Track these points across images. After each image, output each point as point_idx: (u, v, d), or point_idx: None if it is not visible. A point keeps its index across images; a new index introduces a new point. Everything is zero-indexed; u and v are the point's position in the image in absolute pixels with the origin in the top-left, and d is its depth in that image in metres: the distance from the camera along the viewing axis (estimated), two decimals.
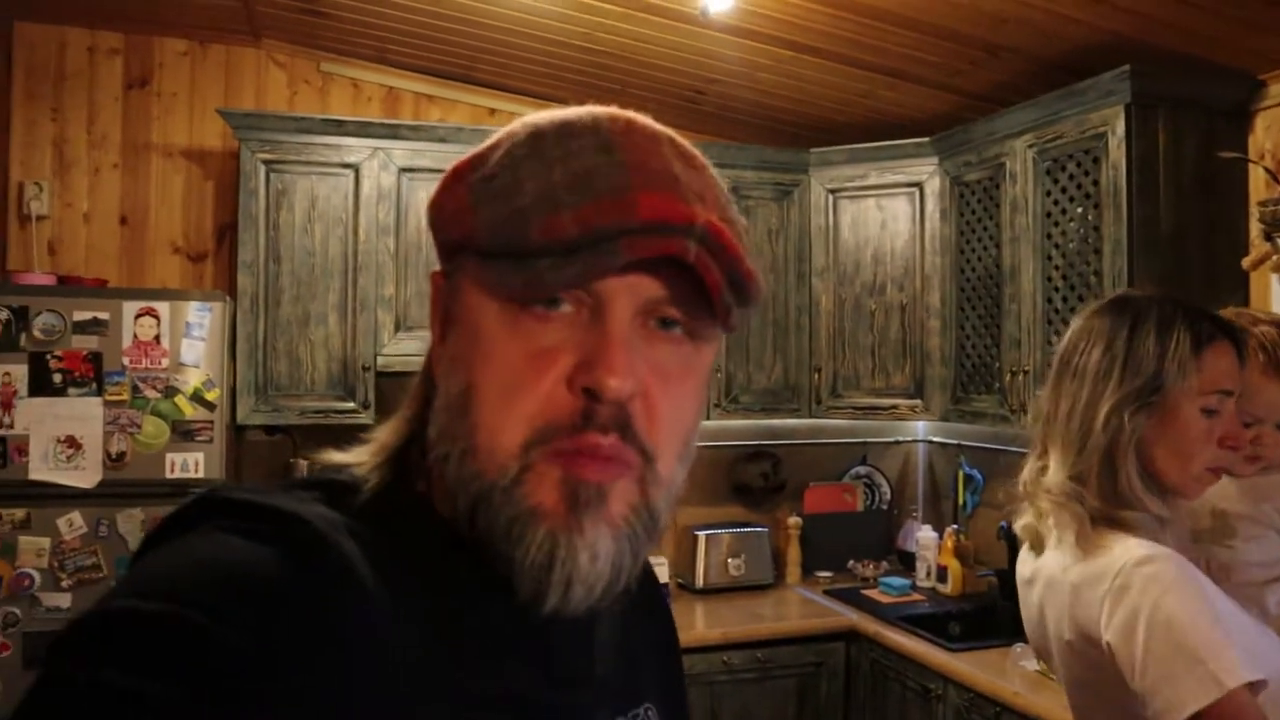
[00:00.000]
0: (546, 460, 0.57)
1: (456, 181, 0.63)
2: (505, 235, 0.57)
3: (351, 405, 3.30)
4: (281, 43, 3.57)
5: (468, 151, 0.65)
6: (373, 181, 3.32)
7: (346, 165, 3.30)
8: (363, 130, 3.31)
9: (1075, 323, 1.49)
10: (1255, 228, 2.56)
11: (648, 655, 0.77)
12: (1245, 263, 2.55)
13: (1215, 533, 1.54)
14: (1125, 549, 1.30)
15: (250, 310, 3.21)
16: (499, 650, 0.62)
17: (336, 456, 0.67)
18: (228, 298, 3.06)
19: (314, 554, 0.55)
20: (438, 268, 0.67)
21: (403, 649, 0.56)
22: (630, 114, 0.63)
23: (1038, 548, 1.47)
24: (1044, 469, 1.44)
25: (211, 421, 2.93)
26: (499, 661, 0.61)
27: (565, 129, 0.61)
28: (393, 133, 3.33)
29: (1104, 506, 1.35)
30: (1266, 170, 2.62)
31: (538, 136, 0.61)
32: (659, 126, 0.63)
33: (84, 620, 0.50)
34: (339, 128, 3.29)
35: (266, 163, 3.24)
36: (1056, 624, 1.40)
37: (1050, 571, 1.42)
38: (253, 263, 3.22)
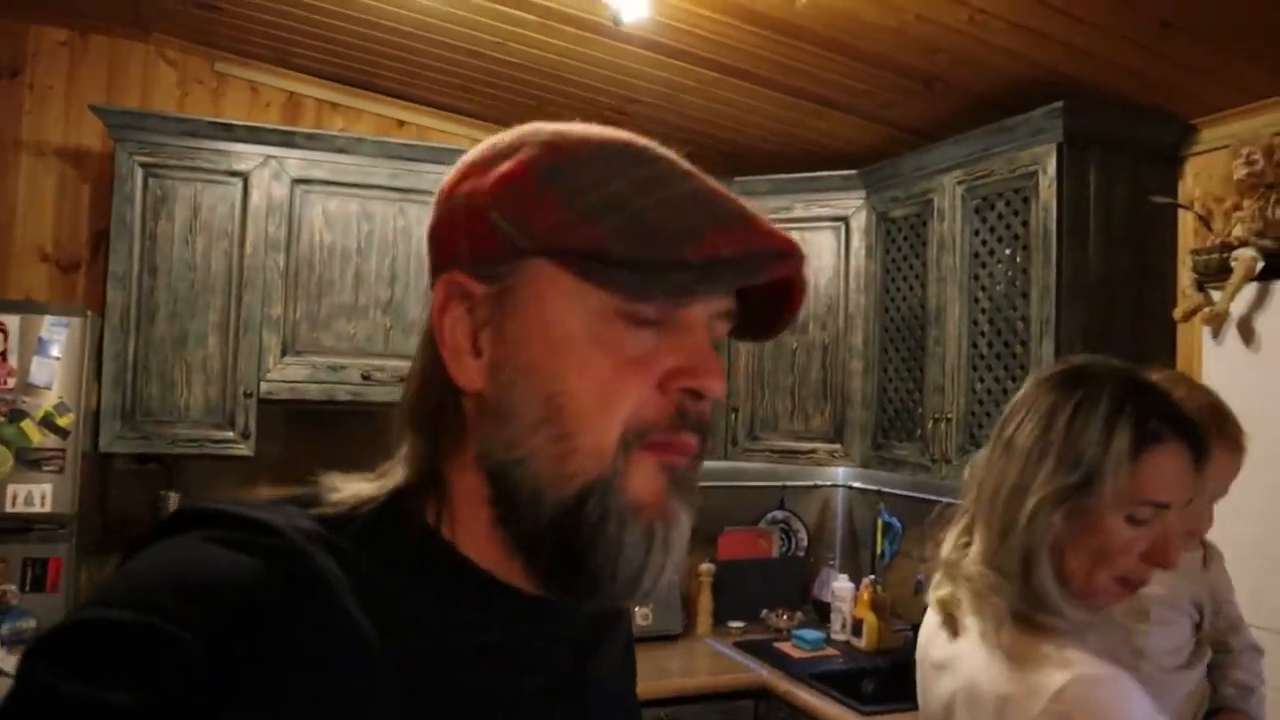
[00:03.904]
0: (642, 452, 0.62)
1: (529, 187, 0.63)
2: (646, 248, 0.60)
3: (230, 435, 3.03)
4: (172, 38, 3.31)
5: (502, 159, 0.65)
6: (263, 192, 3.07)
7: (235, 173, 3.05)
8: (254, 136, 3.06)
9: (1023, 387, 1.32)
10: (1186, 277, 2.45)
11: (616, 685, 0.80)
12: (1177, 314, 2.44)
13: (1128, 612, 1.42)
14: (1062, 663, 1.13)
15: (120, 327, 2.93)
16: (486, 662, 0.64)
17: (349, 477, 0.67)
18: (89, 313, 2.77)
19: (290, 564, 0.56)
20: (456, 275, 0.65)
21: (379, 659, 0.57)
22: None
23: (951, 628, 1.30)
24: (968, 545, 1.27)
25: (63, 450, 2.64)
26: (485, 671, 0.63)
27: (631, 146, 0.65)
28: (287, 140, 3.09)
29: (1023, 606, 1.19)
30: (1198, 216, 2.52)
31: (606, 154, 0.64)
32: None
33: (54, 630, 0.51)
34: (228, 132, 3.04)
35: (145, 166, 2.97)
36: None
37: (970, 673, 1.23)
38: (125, 275, 2.94)
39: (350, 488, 0.66)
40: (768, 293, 0.67)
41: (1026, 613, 1.18)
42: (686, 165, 0.66)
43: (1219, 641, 1.42)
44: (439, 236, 0.67)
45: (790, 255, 0.63)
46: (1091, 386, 1.21)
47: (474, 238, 0.64)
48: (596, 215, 0.61)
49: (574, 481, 0.61)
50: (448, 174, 0.69)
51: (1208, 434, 1.30)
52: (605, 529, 0.61)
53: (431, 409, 0.66)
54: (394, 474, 0.67)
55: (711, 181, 0.65)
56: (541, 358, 0.62)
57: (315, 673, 0.54)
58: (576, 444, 0.61)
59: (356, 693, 0.56)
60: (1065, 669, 1.11)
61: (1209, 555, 1.47)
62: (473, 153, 0.68)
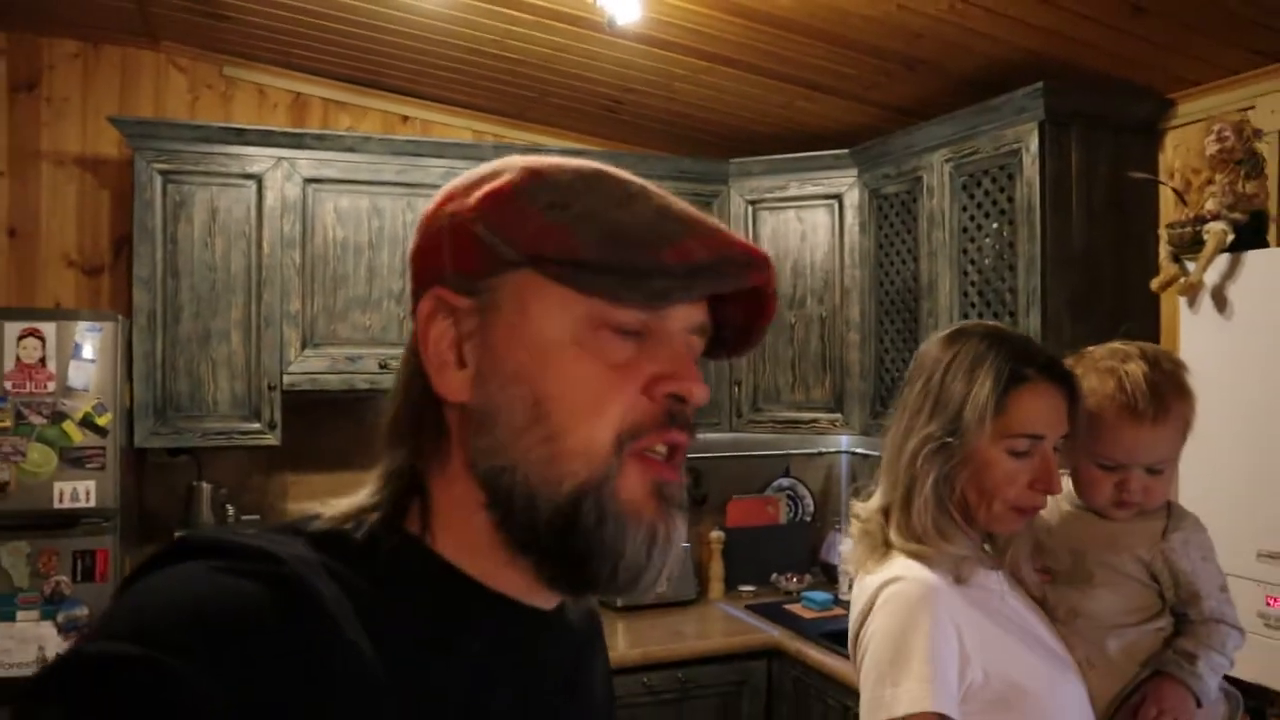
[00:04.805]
0: (633, 459, 0.64)
1: (512, 202, 0.66)
2: (623, 254, 0.63)
3: (257, 426, 3.17)
4: (181, 45, 3.42)
5: (485, 181, 0.68)
6: (276, 193, 3.19)
7: (248, 176, 3.17)
8: (265, 139, 3.17)
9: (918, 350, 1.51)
10: (1164, 249, 2.56)
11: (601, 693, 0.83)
12: (1154, 284, 2.55)
13: (1070, 575, 1.48)
14: (891, 567, 1.34)
15: (147, 328, 3.07)
16: (488, 674, 0.66)
17: (334, 501, 0.69)
18: (120, 317, 2.91)
19: (293, 592, 0.56)
20: (438, 290, 0.68)
21: (381, 684, 0.58)
22: None
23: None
24: (872, 494, 1.47)
25: (103, 448, 2.79)
26: (488, 685, 0.66)
27: (602, 171, 0.69)
28: (297, 142, 3.21)
29: (901, 541, 1.36)
30: (1174, 191, 2.62)
31: (581, 176, 0.67)
32: None
33: (55, 666, 0.51)
34: (240, 136, 3.15)
35: (163, 173, 3.09)
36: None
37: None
38: (149, 278, 3.08)
39: (337, 507, 0.68)
40: (733, 311, 0.70)
41: (903, 546, 1.36)
42: (657, 189, 0.69)
43: (1180, 614, 1.47)
44: (422, 257, 0.70)
45: (762, 265, 0.66)
46: (964, 343, 1.38)
47: (458, 254, 0.67)
48: (574, 225, 0.64)
49: (566, 484, 0.62)
50: (430, 201, 0.72)
51: (1144, 402, 1.37)
52: (603, 531, 0.63)
53: (414, 422, 0.68)
54: (376, 489, 0.69)
55: (681, 203, 0.68)
56: (527, 364, 0.64)
57: (320, 702, 0.55)
58: (565, 446, 0.63)
59: (360, 717, 0.57)
60: (889, 571, 1.33)
61: (1171, 525, 1.46)
62: (454, 181, 0.71)
